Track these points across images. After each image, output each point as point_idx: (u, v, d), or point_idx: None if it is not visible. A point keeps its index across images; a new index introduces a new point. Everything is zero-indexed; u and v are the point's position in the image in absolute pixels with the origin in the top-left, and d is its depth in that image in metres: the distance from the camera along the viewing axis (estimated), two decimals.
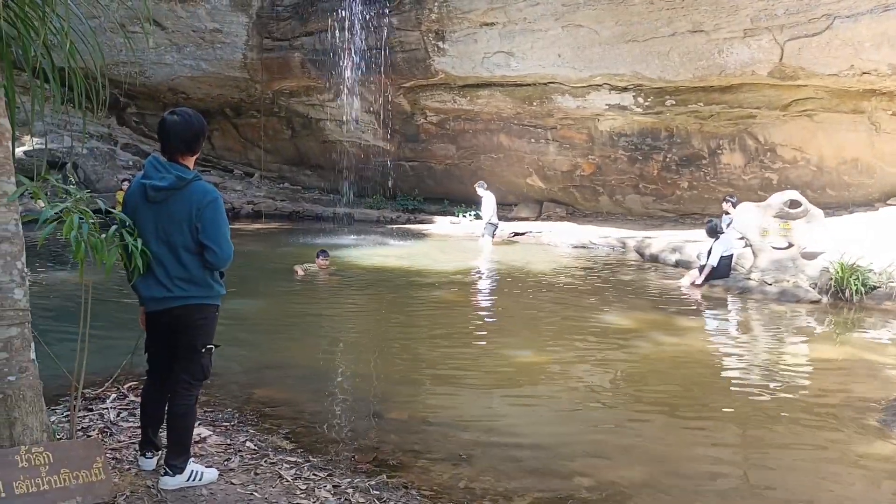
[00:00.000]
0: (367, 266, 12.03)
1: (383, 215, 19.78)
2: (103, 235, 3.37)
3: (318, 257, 11.02)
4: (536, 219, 18.77)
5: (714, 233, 11.03)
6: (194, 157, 3.73)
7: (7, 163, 3.33)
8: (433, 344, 7.44)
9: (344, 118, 18.83)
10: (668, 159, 16.93)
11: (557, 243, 15.54)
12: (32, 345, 3.41)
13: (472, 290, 10.70)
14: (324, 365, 6.65)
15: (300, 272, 10.88)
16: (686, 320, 8.66)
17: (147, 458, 3.84)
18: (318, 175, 21.72)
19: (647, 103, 16.13)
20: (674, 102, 15.93)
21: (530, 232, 16.93)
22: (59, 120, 18.67)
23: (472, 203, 19.63)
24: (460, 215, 18.82)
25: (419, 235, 17.05)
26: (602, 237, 15.45)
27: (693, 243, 13.03)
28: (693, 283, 10.79)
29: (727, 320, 9.36)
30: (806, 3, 12.95)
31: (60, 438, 3.58)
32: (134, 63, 18.31)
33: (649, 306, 9.33)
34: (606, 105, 16.43)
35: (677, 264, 12.66)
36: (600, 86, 16.16)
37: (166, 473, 3.63)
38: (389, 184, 20.01)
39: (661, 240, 13.91)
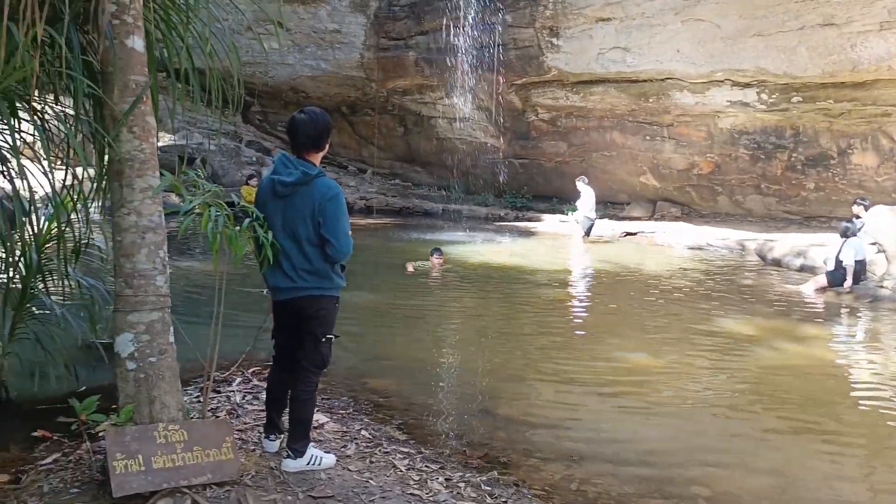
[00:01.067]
0: (475, 263, 12.11)
1: (492, 212, 19.84)
2: (237, 228, 3.56)
3: (432, 255, 11.12)
4: (649, 218, 18.35)
5: (845, 234, 10.45)
6: (320, 154, 3.86)
7: (153, 158, 3.57)
8: (543, 342, 7.41)
9: (459, 116, 19.00)
10: (793, 159, 16.18)
11: (672, 244, 15.15)
12: (171, 328, 3.64)
13: (582, 289, 10.59)
14: (433, 358, 6.76)
15: (411, 268, 11.04)
16: (811, 328, 8.25)
17: (270, 440, 4.03)
18: (428, 172, 22.03)
19: (771, 100, 15.46)
20: (801, 99, 15.19)
21: (643, 232, 16.58)
22: (189, 117, 19.73)
23: None
24: (569, 213, 18.60)
25: (527, 233, 17.00)
26: (720, 239, 14.94)
27: (819, 247, 12.41)
28: (822, 289, 10.27)
29: (856, 330, 8.86)
30: None
31: (193, 418, 3.80)
32: (259, 63, 19.11)
33: (771, 312, 8.95)
34: (727, 102, 15.85)
35: (801, 269, 12.10)
36: (721, 82, 15.61)
37: (288, 456, 3.79)
38: (499, 181, 20.06)
39: (784, 243, 13.31)
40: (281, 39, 18.57)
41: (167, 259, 3.64)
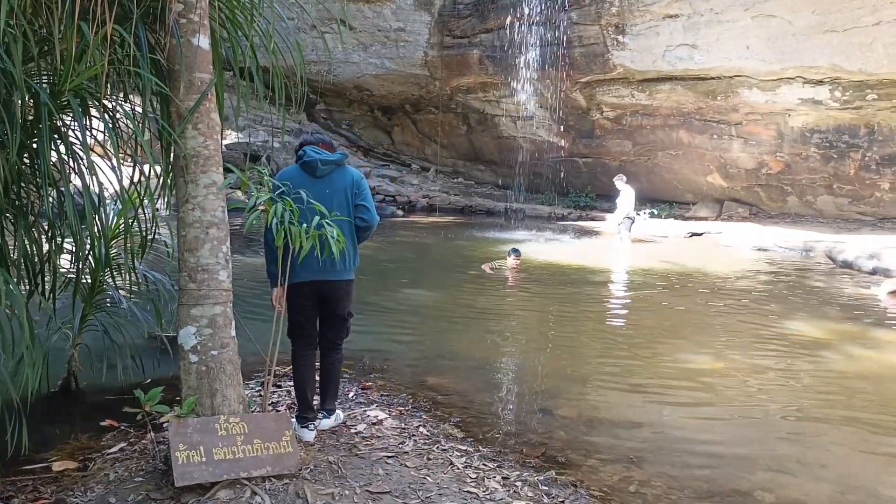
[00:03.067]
0: (538, 262, 12.00)
1: (554, 212, 19.69)
2: (303, 225, 3.60)
3: (509, 255, 10.84)
4: (716, 219, 17.96)
5: None
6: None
7: (216, 155, 3.63)
8: (605, 343, 7.29)
9: (523, 114, 18.91)
10: (867, 158, 15.61)
11: (738, 245, 14.74)
12: (233, 323, 3.70)
13: (646, 289, 10.36)
14: (493, 357, 6.72)
15: (488, 269, 10.78)
16: (886, 333, 7.91)
17: (310, 429, 4.18)
18: (490, 170, 21.98)
19: (844, 98, 14.94)
20: (876, 97, 14.65)
21: (709, 232, 16.21)
22: (255, 115, 20.15)
23: (648, 201, 19.11)
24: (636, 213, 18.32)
25: (590, 233, 16.79)
26: (788, 240, 14.47)
27: (892, 249, 11.92)
28: None
29: None
30: None
31: (254, 411, 3.85)
32: (324, 62, 19.38)
33: (842, 316, 8.62)
34: (799, 99, 15.39)
35: (874, 272, 11.63)
36: (792, 79, 15.17)
37: (325, 417, 4.33)
38: (562, 180, 19.89)
39: (855, 245, 12.81)
40: (346, 38, 18.78)
41: (230, 254, 3.70)
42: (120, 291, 4.87)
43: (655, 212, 18.63)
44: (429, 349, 6.74)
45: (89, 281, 4.64)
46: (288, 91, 4.22)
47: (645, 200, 19.07)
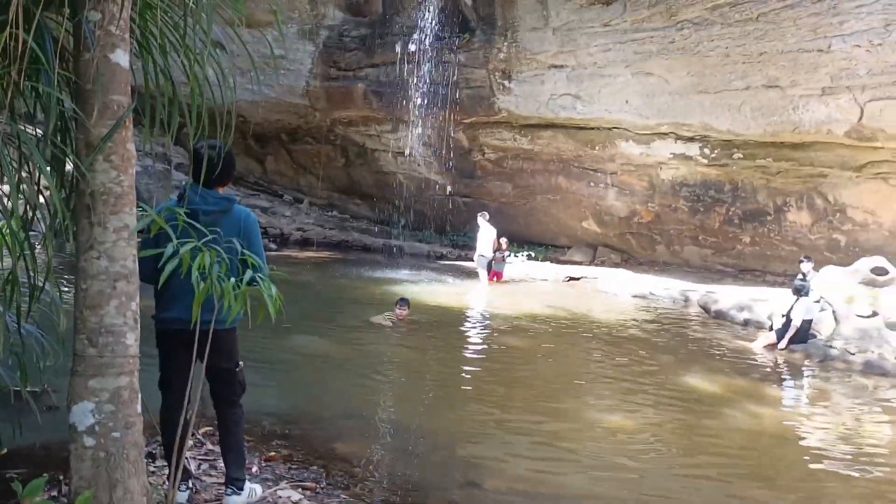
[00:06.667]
0: (428, 305, 11.60)
1: (433, 250, 19.45)
2: (232, 280, 3.03)
3: (397, 306, 10.11)
4: (590, 263, 18.33)
5: (798, 292, 10.43)
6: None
7: (130, 192, 3.01)
8: (515, 400, 7.00)
9: (406, 150, 18.61)
10: (730, 213, 16.46)
11: (617, 291, 14.99)
12: (139, 396, 3.06)
13: (540, 337, 10.16)
14: (399, 416, 6.28)
15: (380, 321, 9.93)
16: (774, 390, 8.12)
17: (182, 490, 3.68)
18: (368, 205, 21.52)
19: (713, 155, 15.73)
20: (741, 156, 15.50)
21: (585, 277, 16.46)
22: None
23: (526, 243, 19.27)
24: (513, 255, 18.40)
25: (473, 274, 16.56)
26: (663, 288, 14.89)
27: (762, 302, 12.51)
28: (772, 346, 10.26)
29: (813, 391, 8.76)
30: (891, 65, 12.54)
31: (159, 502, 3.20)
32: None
33: (730, 370, 8.80)
34: (671, 154, 16.06)
35: (746, 323, 12.15)
36: (666, 134, 15.82)
37: (234, 493, 3.69)
38: (442, 218, 19.74)
39: (728, 296, 13.35)
40: (222, 63, 17.86)
41: (139, 313, 3.07)
42: None
43: (532, 254, 18.79)
44: (332, 407, 6.14)
45: None
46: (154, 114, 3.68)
47: (522, 242, 19.24)
